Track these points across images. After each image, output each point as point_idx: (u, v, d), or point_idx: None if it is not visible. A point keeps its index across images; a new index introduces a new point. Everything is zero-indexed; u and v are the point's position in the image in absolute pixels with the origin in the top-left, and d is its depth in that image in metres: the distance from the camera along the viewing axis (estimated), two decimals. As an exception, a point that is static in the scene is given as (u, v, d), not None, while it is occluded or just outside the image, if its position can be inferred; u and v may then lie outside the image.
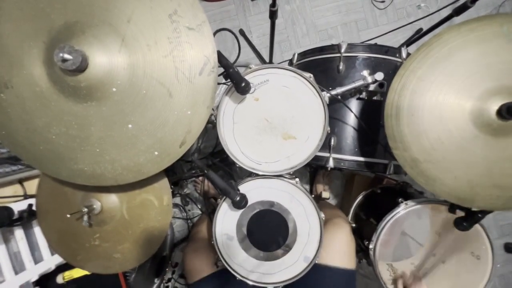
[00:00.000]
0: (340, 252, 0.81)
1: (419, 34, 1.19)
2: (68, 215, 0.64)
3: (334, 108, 0.90)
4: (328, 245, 0.80)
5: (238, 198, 0.71)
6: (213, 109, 0.80)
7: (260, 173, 0.76)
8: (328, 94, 0.79)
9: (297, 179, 0.79)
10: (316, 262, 0.75)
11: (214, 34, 0.54)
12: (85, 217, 0.65)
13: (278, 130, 0.75)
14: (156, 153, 0.57)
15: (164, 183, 0.69)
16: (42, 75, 0.52)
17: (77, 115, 0.54)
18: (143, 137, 0.55)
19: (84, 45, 0.50)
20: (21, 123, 0.55)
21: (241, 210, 0.77)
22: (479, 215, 0.66)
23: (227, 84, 0.76)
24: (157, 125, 0.55)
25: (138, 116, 0.54)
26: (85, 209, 0.64)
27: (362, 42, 1.09)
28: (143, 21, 0.51)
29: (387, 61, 0.90)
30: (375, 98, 0.89)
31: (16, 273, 0.79)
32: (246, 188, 0.77)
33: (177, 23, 0.52)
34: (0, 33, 0.52)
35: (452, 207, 0.71)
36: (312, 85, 0.74)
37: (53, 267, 0.89)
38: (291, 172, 0.77)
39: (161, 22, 0.52)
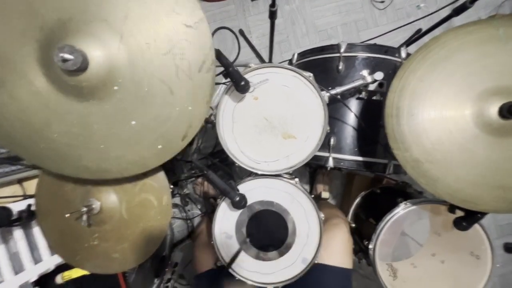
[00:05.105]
0: (338, 252, 0.82)
1: (419, 34, 1.19)
2: (67, 215, 0.64)
3: (334, 108, 0.90)
4: (327, 244, 0.80)
5: (237, 198, 0.71)
6: (212, 109, 0.80)
7: (260, 172, 0.76)
8: (328, 94, 0.79)
9: (296, 179, 0.79)
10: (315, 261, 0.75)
11: (214, 33, 0.54)
12: (84, 217, 0.64)
13: (278, 129, 0.75)
14: (159, 146, 0.58)
15: (164, 183, 0.69)
16: (37, 74, 0.52)
17: (79, 114, 0.54)
18: (147, 133, 0.57)
19: (82, 43, 0.50)
20: (19, 122, 0.55)
21: (241, 210, 0.77)
22: (479, 215, 0.66)
23: (226, 84, 0.76)
24: (160, 121, 0.56)
25: (141, 113, 0.55)
26: (84, 209, 0.64)
27: (362, 42, 1.09)
28: (140, 18, 0.51)
29: (387, 61, 0.90)
30: (374, 97, 0.89)
31: (16, 273, 0.78)
32: (246, 188, 0.77)
33: (174, 20, 0.52)
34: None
35: (452, 207, 0.70)
36: (312, 85, 0.74)
37: (52, 267, 0.89)
38: (291, 172, 0.77)
39: (158, 20, 0.52)
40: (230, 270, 0.76)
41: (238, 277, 0.76)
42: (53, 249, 0.72)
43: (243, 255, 0.77)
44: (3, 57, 0.52)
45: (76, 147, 0.57)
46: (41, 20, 0.51)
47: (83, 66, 0.49)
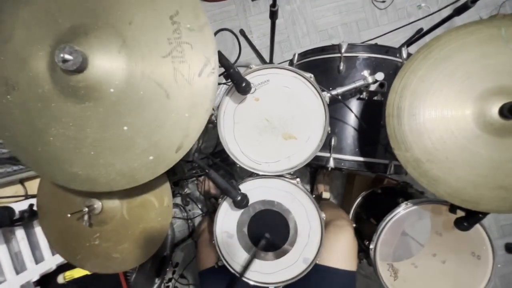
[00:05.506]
0: (342, 255, 0.81)
1: (420, 34, 1.19)
2: (69, 215, 0.64)
3: (335, 108, 0.90)
4: (331, 247, 0.80)
5: (239, 198, 0.71)
6: (213, 109, 0.80)
7: (261, 173, 0.76)
8: (329, 94, 0.79)
9: (298, 179, 0.79)
10: (318, 262, 0.75)
11: (215, 34, 0.54)
12: (86, 217, 0.65)
13: (279, 130, 0.75)
14: (151, 157, 0.55)
15: (165, 184, 0.70)
16: (45, 76, 0.53)
17: (75, 116, 0.54)
18: (138, 139, 0.54)
19: (85, 46, 0.50)
20: (24, 124, 0.55)
21: (242, 210, 0.77)
22: (480, 215, 0.66)
23: (227, 84, 0.76)
24: (153, 127, 0.53)
25: (134, 118, 0.53)
26: (86, 209, 0.64)
27: (363, 42, 1.09)
28: (144, 22, 0.51)
29: (388, 61, 0.90)
30: (375, 98, 0.89)
31: (17, 273, 0.79)
32: (247, 187, 0.77)
33: (178, 24, 0.52)
34: (13, 38, 0.53)
35: (453, 207, 0.70)
36: (313, 85, 0.74)
37: (54, 267, 0.90)
38: (292, 172, 0.77)
39: (162, 23, 0.52)
40: (231, 270, 0.76)
41: (239, 276, 0.76)
42: (54, 248, 0.72)
43: (244, 254, 0.77)
44: (21, 61, 0.53)
45: (68, 151, 0.55)
46: (57, 28, 0.52)
47: (82, 66, 0.49)
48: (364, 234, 0.97)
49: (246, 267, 0.73)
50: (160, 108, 0.53)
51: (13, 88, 0.54)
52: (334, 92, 0.80)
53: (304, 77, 0.74)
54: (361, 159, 0.90)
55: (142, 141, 0.54)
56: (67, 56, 0.47)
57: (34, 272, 0.83)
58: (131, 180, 0.56)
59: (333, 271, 0.79)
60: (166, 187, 0.69)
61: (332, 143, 0.90)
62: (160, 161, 0.55)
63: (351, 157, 0.90)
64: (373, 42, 1.09)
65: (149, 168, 0.55)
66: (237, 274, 0.76)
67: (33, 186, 0.96)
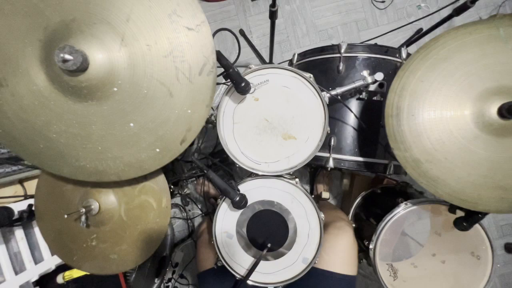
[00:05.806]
0: (342, 258, 0.80)
1: (419, 34, 1.19)
2: (66, 216, 0.64)
3: (334, 108, 0.90)
4: (330, 249, 0.79)
5: (237, 198, 0.71)
6: (213, 109, 0.80)
7: (260, 173, 0.76)
8: (328, 94, 0.79)
9: (297, 179, 0.79)
10: (318, 266, 0.74)
11: (214, 34, 0.54)
12: (83, 218, 0.64)
13: (278, 130, 0.75)
14: (157, 150, 0.58)
15: (163, 185, 0.69)
16: (39, 74, 0.52)
17: (78, 114, 0.54)
18: (145, 135, 0.56)
19: (83, 44, 0.50)
20: (19, 121, 0.55)
21: (241, 210, 0.77)
22: (479, 215, 0.66)
23: (227, 84, 0.76)
24: (158, 123, 0.56)
25: (139, 115, 0.55)
26: (83, 210, 0.64)
27: (362, 42, 1.09)
28: (142, 20, 0.51)
29: (387, 61, 0.90)
30: (375, 98, 0.89)
31: (16, 273, 0.79)
32: (246, 187, 0.77)
33: (176, 23, 0.52)
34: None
35: (452, 207, 0.70)
36: (312, 85, 0.74)
37: (53, 267, 0.90)
38: (291, 172, 0.77)
39: (160, 22, 0.52)
40: (230, 270, 0.76)
41: (238, 276, 0.76)
42: (51, 249, 0.72)
43: (244, 255, 0.77)
44: (7, 56, 0.52)
45: (74, 147, 0.57)
46: (45, 21, 0.51)
47: (83, 66, 0.49)
48: (364, 234, 0.97)
49: (250, 271, 0.73)
50: (164, 105, 0.55)
51: (0, 85, 0.53)
52: (333, 92, 0.80)
53: (303, 77, 0.74)
54: (360, 159, 0.90)
55: (148, 136, 0.57)
56: (67, 56, 0.46)
57: (33, 272, 0.83)
58: (139, 170, 0.59)
59: (333, 275, 0.78)
60: (165, 188, 0.69)
61: (332, 143, 0.90)
62: (166, 152, 0.58)
63: (350, 157, 0.90)
64: (372, 42, 1.09)
65: (156, 159, 0.59)
66: (238, 277, 0.76)
67: (32, 186, 0.96)
